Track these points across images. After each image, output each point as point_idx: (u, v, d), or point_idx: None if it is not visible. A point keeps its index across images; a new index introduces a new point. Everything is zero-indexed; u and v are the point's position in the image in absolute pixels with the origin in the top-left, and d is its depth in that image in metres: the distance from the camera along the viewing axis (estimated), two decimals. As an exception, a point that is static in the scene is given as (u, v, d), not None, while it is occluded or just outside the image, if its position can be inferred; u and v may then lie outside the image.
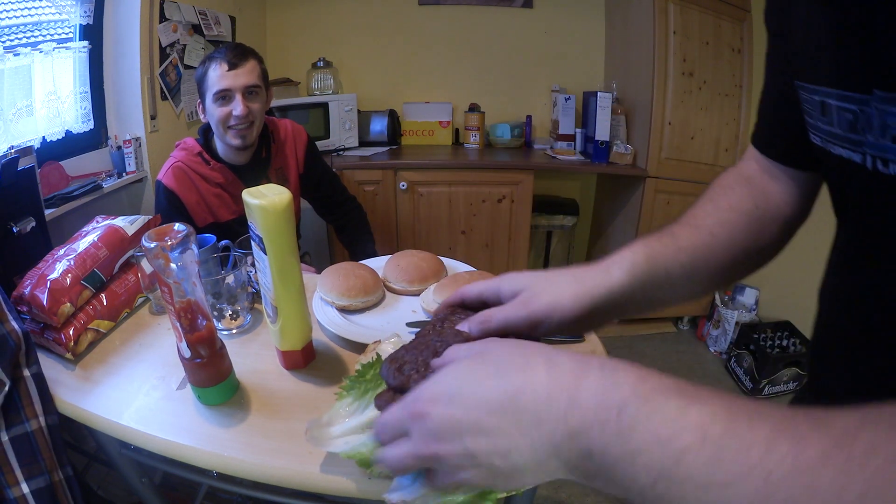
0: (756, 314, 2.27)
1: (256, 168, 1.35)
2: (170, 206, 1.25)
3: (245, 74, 1.21)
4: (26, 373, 0.64)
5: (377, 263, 0.95)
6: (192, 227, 1.33)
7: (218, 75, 1.19)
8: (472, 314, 0.50)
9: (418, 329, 0.53)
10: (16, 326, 0.64)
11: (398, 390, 0.47)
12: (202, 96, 1.25)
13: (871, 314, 0.38)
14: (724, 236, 0.48)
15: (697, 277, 0.48)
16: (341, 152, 2.25)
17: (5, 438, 0.60)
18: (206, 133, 1.31)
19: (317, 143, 2.19)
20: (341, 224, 1.64)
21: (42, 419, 0.64)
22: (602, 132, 2.16)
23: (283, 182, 1.42)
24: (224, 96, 1.21)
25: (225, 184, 1.31)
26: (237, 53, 1.21)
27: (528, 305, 0.44)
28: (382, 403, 0.45)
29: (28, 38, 1.38)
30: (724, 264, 0.49)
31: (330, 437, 0.50)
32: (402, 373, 0.47)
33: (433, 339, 0.52)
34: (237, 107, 1.20)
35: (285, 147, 1.43)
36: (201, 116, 1.28)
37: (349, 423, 0.51)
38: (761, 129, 0.53)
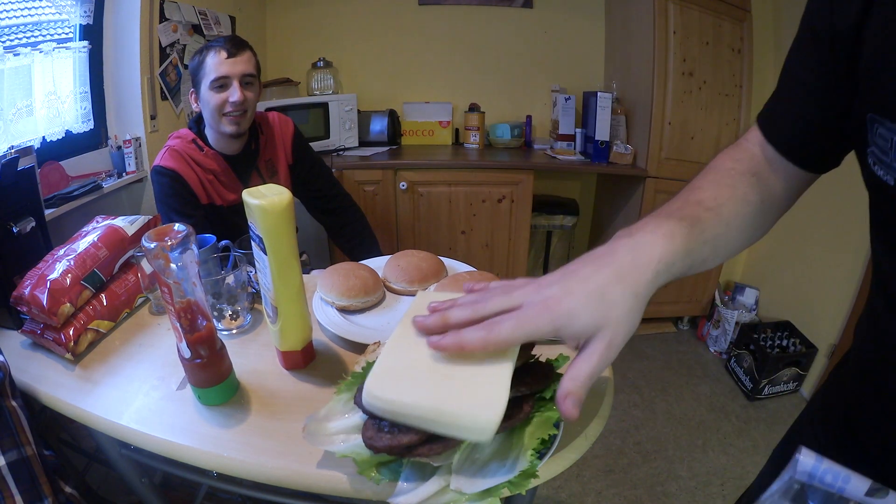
0: (756, 314, 2.27)
1: (247, 159, 1.37)
2: (172, 184, 1.24)
3: (243, 63, 1.24)
4: (13, 403, 0.62)
5: (377, 263, 0.95)
6: (197, 204, 1.31)
7: (216, 62, 1.21)
8: None
9: (418, 329, 0.53)
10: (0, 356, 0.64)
11: (374, 416, 0.48)
12: (196, 85, 1.26)
13: None
14: (736, 226, 0.48)
15: (705, 266, 0.47)
16: (341, 152, 2.25)
17: (2, 463, 0.59)
18: (198, 123, 1.32)
19: (317, 143, 2.21)
20: (337, 224, 1.59)
21: (34, 447, 0.62)
22: (602, 132, 2.16)
23: (272, 174, 1.43)
24: (222, 84, 1.22)
25: (218, 171, 1.31)
26: (235, 43, 1.24)
27: (608, 347, 0.40)
28: (371, 435, 0.45)
29: (28, 38, 1.38)
30: (726, 253, 0.49)
31: (327, 434, 0.50)
32: None
33: None
34: (234, 93, 1.22)
35: (273, 138, 1.43)
36: (193, 106, 1.29)
37: (347, 420, 0.51)
38: (777, 119, 0.50)
